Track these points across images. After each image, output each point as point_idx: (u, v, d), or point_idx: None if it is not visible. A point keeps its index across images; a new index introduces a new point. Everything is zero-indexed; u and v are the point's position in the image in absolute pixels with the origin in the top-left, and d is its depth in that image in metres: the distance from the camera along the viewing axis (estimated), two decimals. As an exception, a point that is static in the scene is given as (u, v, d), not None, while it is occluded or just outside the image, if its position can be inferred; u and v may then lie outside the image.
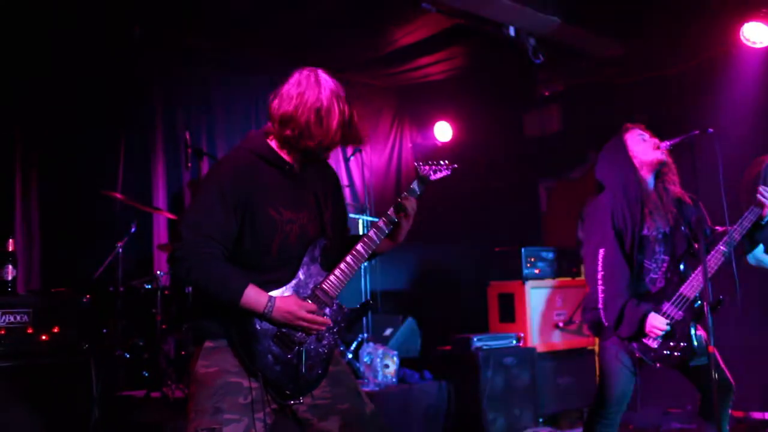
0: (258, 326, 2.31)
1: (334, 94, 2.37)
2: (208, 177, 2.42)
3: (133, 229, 4.82)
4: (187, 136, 4.87)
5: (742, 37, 5.04)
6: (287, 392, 2.33)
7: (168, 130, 5.76)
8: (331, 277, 2.42)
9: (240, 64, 6.07)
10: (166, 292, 4.82)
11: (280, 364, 2.32)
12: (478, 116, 6.96)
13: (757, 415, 5.15)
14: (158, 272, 4.94)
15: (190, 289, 4.50)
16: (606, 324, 3.21)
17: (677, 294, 3.16)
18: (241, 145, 2.45)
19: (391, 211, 2.53)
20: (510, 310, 5.52)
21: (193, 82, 5.93)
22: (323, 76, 2.40)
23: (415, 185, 2.60)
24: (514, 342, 5.26)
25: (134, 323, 4.83)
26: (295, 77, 2.39)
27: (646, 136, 3.38)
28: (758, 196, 3.17)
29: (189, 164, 4.91)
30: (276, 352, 2.32)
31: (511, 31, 5.36)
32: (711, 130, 3.07)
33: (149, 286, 4.87)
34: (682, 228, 3.32)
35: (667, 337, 3.13)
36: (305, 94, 2.34)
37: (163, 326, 4.75)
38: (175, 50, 5.74)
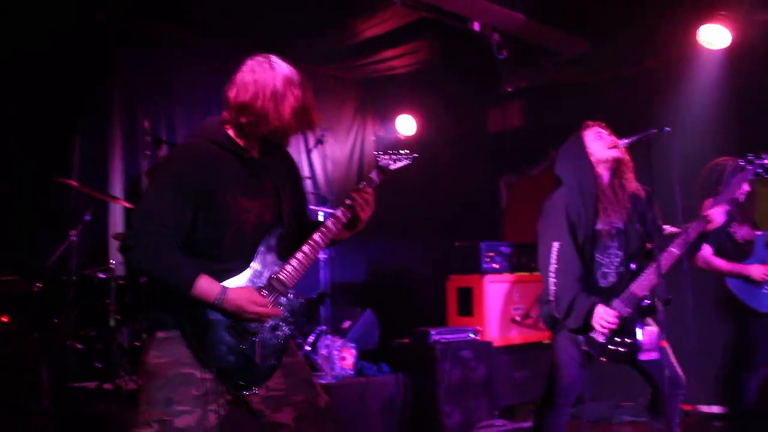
0: (211, 316, 2.27)
1: (288, 80, 2.35)
2: (163, 164, 2.38)
3: (88, 218, 4.71)
4: (146, 124, 4.79)
5: (699, 40, 5.13)
6: (241, 383, 2.31)
7: (126, 118, 5.64)
8: (287, 267, 2.40)
9: (202, 53, 5.98)
10: (121, 282, 4.73)
11: (234, 355, 2.29)
12: (442, 111, 6.98)
13: (704, 408, 5.28)
14: (113, 262, 4.85)
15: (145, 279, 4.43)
16: (557, 316, 3.25)
17: (627, 291, 3.21)
18: (197, 133, 2.41)
19: (349, 201, 2.52)
20: (468, 304, 5.56)
21: (153, 70, 5.82)
22: (277, 61, 2.38)
23: (374, 175, 2.59)
24: (472, 336, 5.30)
25: (87, 313, 4.72)
26: (249, 64, 2.36)
27: (605, 133, 3.42)
28: (703, 213, 3.25)
29: (147, 152, 4.83)
30: (229, 342, 2.29)
31: (476, 26, 5.38)
32: (668, 129, 3.11)
33: (103, 276, 4.78)
34: (636, 225, 3.37)
35: (614, 332, 3.18)
36: (259, 80, 2.31)
37: (117, 316, 4.66)
38: (136, 36, 5.63)
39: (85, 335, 4.71)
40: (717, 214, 3.25)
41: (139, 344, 4.63)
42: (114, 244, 5.32)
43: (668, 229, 3.41)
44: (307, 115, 2.38)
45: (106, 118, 5.57)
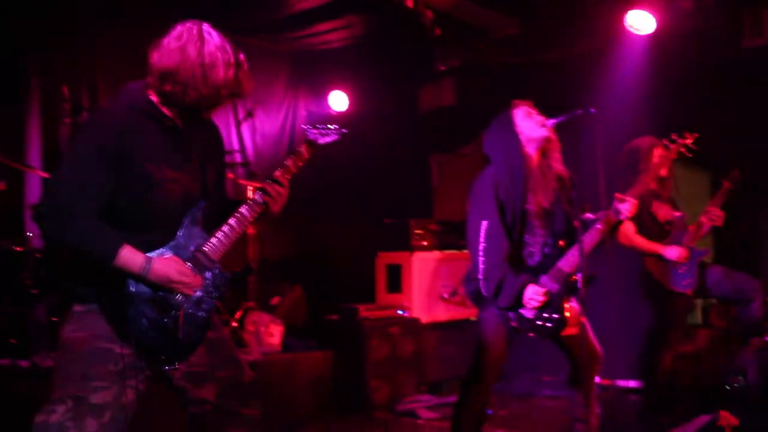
0: (132, 288, 2.19)
1: (219, 48, 2.26)
2: (82, 130, 2.26)
3: (2, 188, 4.50)
4: (65, 90, 4.58)
5: (627, 24, 5.25)
6: (162, 358, 2.25)
7: (44, 83, 5.38)
8: (213, 240, 2.34)
9: (126, 18, 5.74)
10: (38, 255, 4.54)
11: (155, 329, 2.23)
12: (374, 87, 6.94)
13: (621, 382, 5.49)
14: (29, 234, 4.64)
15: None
16: (485, 294, 3.29)
17: (555, 268, 3.27)
18: (119, 98, 2.30)
19: (277, 175, 2.47)
20: (397, 280, 5.59)
21: (75, 34, 5.55)
22: (207, 29, 2.28)
23: (302, 149, 2.54)
24: (400, 312, 5.34)
25: (1, 288, 4.53)
26: (177, 30, 2.26)
27: (534, 113, 3.46)
28: (615, 204, 3.30)
29: (66, 120, 4.62)
30: (151, 316, 2.22)
31: (410, 3, 5.35)
32: (593, 110, 3.17)
33: (19, 249, 4.58)
34: (562, 204, 3.44)
35: (541, 308, 3.25)
36: (187, 48, 2.21)
37: (34, 291, 4.48)
38: (57, -1, 5.36)
39: (0, 311, 4.51)
40: (626, 210, 3.31)
41: (56, 319, 4.46)
42: (31, 216, 5.10)
43: (588, 214, 3.48)
44: (238, 85, 2.30)
45: (21, 83, 5.29)
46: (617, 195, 3.32)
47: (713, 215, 4.34)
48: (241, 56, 2.32)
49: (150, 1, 5.58)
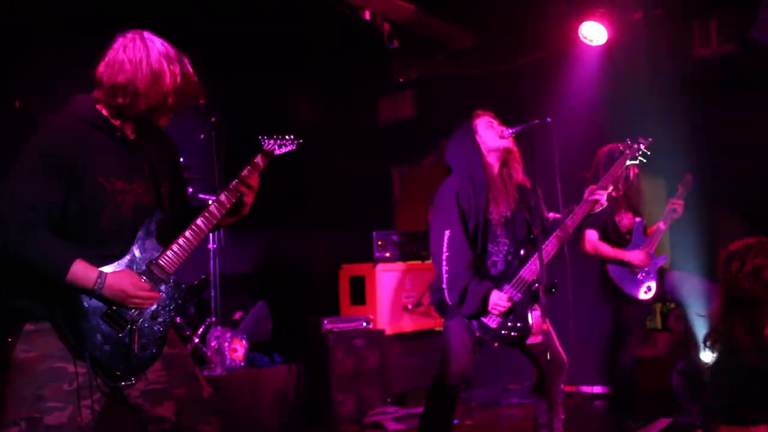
0: (86, 304, 2.14)
1: (163, 56, 2.23)
2: (29, 141, 2.20)
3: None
4: (17, 105, 4.47)
5: (580, 35, 5.35)
6: (117, 373, 2.20)
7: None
8: (168, 253, 2.30)
9: (79, 27, 5.64)
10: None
11: (110, 344, 2.18)
12: (333, 99, 6.93)
13: (585, 389, 5.55)
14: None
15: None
16: (450, 303, 3.29)
17: (516, 277, 3.30)
18: (66, 109, 2.26)
19: (233, 185, 2.44)
20: (361, 292, 5.57)
21: (25, 44, 5.44)
22: (149, 37, 2.25)
23: (258, 159, 2.51)
24: (365, 324, 5.32)
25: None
26: (119, 41, 2.23)
27: (495, 123, 3.49)
28: (588, 197, 3.36)
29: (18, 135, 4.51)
30: (106, 330, 2.17)
31: (367, 15, 5.38)
32: (549, 119, 3.21)
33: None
34: (523, 213, 3.47)
35: (505, 316, 3.27)
36: (134, 59, 2.19)
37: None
38: (7, 12, 5.24)
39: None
40: (601, 196, 3.37)
41: (11, 340, 4.33)
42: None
43: (552, 215, 3.52)
44: (188, 90, 2.28)
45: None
46: (591, 187, 3.36)
47: (676, 204, 4.42)
48: (185, 60, 2.29)
49: (104, 12, 5.49)
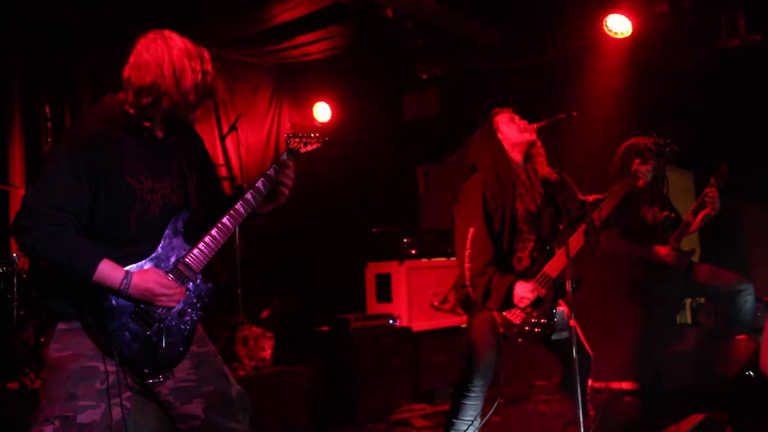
0: (114, 302, 2.18)
1: (184, 53, 2.24)
2: (59, 144, 2.24)
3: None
4: (47, 109, 4.55)
5: (605, 28, 5.30)
6: (145, 371, 2.23)
7: (27, 102, 5.35)
8: (195, 251, 2.32)
9: (108, 37, 5.73)
10: (24, 276, 4.50)
11: (138, 342, 2.21)
12: (357, 98, 6.96)
13: (615, 385, 5.50)
14: (15, 255, 4.60)
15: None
16: (474, 299, 3.29)
17: (541, 272, 3.28)
18: (95, 111, 2.29)
19: (259, 183, 2.46)
20: (387, 290, 5.58)
21: (57, 54, 5.54)
22: (170, 35, 2.27)
23: (284, 157, 2.53)
24: (391, 322, 5.33)
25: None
26: (142, 43, 2.25)
27: (516, 118, 3.48)
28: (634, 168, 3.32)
29: (49, 139, 4.59)
30: (133, 329, 2.20)
31: (389, 13, 5.38)
32: (575, 113, 3.19)
33: (4, 270, 4.53)
34: (549, 208, 3.45)
35: (530, 313, 3.25)
36: (157, 59, 2.21)
37: (21, 312, 4.43)
38: (38, 19, 5.33)
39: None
40: (644, 173, 3.34)
41: (44, 340, 4.41)
42: (10, 230, 5.05)
43: (591, 197, 3.48)
44: (207, 86, 2.29)
45: (4, 102, 5.27)
46: (636, 162, 3.32)
47: (709, 196, 4.33)
48: (206, 55, 2.30)
49: (133, 23, 5.57)
